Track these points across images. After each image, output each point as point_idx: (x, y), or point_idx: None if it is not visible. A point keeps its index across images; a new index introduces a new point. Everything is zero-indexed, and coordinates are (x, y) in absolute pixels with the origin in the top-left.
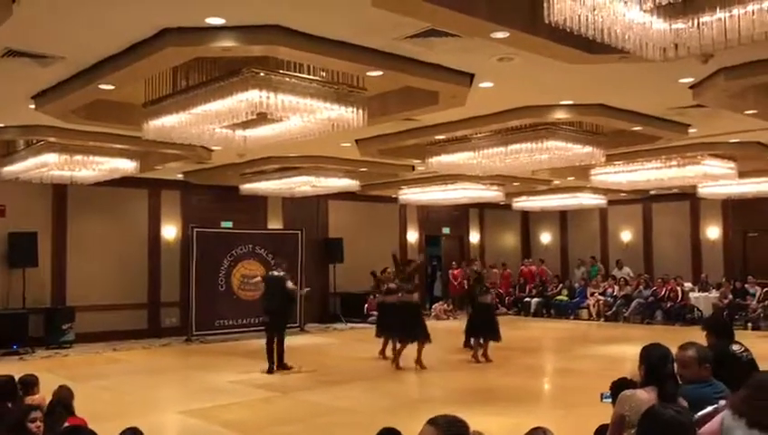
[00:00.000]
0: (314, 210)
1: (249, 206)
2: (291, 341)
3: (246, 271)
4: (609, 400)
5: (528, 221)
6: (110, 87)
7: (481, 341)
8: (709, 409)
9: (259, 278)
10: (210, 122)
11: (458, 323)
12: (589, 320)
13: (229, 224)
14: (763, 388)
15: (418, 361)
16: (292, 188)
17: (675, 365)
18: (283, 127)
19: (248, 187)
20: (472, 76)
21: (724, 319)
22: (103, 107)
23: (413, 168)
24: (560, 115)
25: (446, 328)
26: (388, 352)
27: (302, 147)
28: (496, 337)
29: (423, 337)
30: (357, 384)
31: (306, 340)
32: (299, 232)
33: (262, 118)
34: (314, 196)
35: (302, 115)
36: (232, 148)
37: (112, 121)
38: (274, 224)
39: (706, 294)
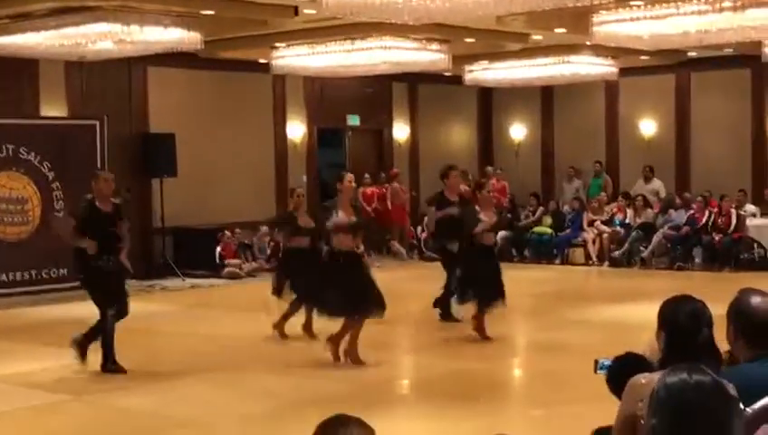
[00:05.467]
0: (123, 85)
1: (5, 77)
2: (79, 310)
3: (5, 190)
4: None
5: (490, 104)
6: None
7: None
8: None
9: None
10: None
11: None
12: (586, 265)
13: None
14: None
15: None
16: (80, 44)
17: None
18: None
19: (1, 42)
20: None
21: None
22: None
23: (296, 10)
24: None
25: None
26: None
27: None
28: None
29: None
30: (203, 377)
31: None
32: (96, 123)
33: None
34: (123, 59)
35: None
36: None
37: None
38: (53, 109)
39: None
